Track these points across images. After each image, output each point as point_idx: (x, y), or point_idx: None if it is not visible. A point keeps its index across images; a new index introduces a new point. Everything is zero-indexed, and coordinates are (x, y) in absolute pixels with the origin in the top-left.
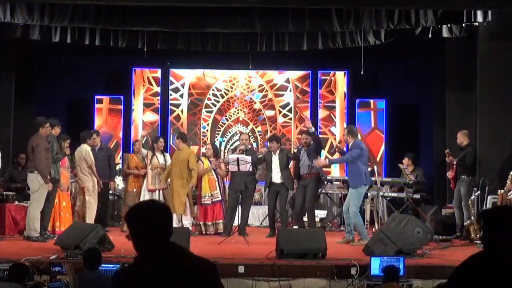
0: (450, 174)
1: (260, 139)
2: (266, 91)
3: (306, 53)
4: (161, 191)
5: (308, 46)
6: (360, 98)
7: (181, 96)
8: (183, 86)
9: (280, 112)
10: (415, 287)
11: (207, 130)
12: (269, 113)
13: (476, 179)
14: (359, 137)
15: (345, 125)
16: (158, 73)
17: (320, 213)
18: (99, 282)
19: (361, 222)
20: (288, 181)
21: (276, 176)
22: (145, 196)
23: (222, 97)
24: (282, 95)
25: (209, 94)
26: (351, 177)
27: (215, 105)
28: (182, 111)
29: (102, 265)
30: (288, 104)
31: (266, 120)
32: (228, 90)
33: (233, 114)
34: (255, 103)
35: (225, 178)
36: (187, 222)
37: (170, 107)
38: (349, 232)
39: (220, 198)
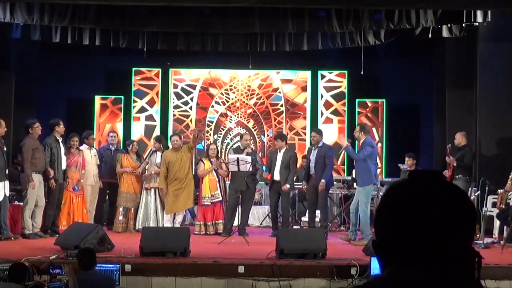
0: (446, 173)
1: (258, 141)
2: (263, 99)
3: (306, 53)
4: (156, 190)
5: (308, 46)
6: (360, 98)
7: (190, 108)
8: (192, 99)
9: (275, 119)
10: None
11: (210, 135)
12: (266, 118)
13: (473, 178)
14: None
15: (345, 125)
16: (158, 73)
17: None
18: (96, 282)
19: (368, 222)
20: (283, 180)
21: (277, 175)
22: (143, 195)
23: (224, 104)
24: (276, 104)
25: (212, 102)
26: (359, 176)
27: (217, 111)
28: (191, 120)
29: (102, 265)
30: (282, 112)
31: (263, 125)
32: (228, 99)
33: (234, 118)
34: (253, 109)
35: (226, 178)
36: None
37: (180, 117)
38: (352, 231)
39: (220, 198)
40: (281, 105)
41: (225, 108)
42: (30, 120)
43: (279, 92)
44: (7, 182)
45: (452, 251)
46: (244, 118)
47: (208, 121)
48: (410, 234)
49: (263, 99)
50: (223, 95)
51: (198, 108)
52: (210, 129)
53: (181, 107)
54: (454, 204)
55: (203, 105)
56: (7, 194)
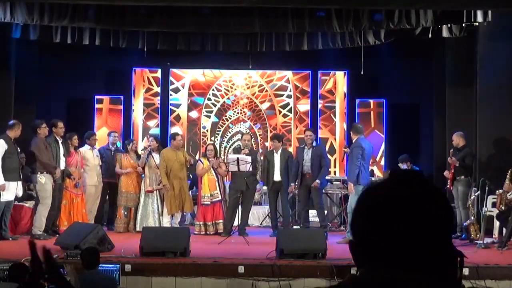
0: (447, 174)
1: (260, 139)
2: (266, 90)
3: (306, 53)
4: (159, 191)
5: (308, 46)
6: (360, 98)
7: (181, 96)
8: (183, 86)
9: (280, 112)
10: None
11: (207, 130)
12: (269, 113)
13: (473, 179)
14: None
15: (345, 126)
16: (158, 73)
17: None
18: (98, 282)
19: None
20: (284, 180)
21: (277, 175)
22: (142, 197)
23: (222, 97)
24: (282, 95)
25: (209, 94)
26: (351, 177)
27: (215, 105)
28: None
29: (102, 265)
30: (288, 104)
31: (266, 120)
32: (228, 90)
33: (233, 114)
34: (255, 103)
35: (225, 178)
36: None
37: (170, 107)
38: (349, 231)
39: (219, 198)
40: (288, 96)
41: (224, 101)
42: (38, 121)
43: (286, 81)
44: (20, 183)
45: (433, 251)
46: (245, 114)
47: (205, 115)
48: (392, 234)
49: (266, 90)
50: (221, 86)
51: (192, 99)
52: (208, 124)
53: (170, 94)
54: (435, 204)
55: (197, 95)
56: (19, 195)
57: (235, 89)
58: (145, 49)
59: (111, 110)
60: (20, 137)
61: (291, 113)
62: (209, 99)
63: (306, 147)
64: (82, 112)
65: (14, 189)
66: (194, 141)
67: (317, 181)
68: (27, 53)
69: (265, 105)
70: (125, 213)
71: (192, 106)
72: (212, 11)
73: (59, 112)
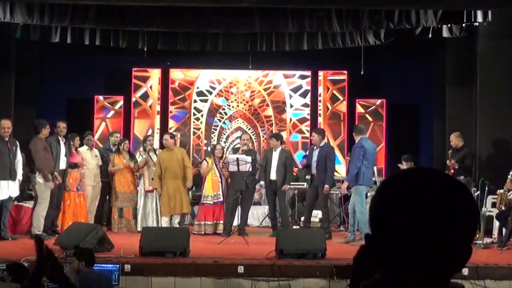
0: None
1: (262, 135)
2: (271, 79)
3: (306, 53)
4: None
5: (308, 46)
6: (360, 98)
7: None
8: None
9: (290, 96)
10: None
11: (200, 123)
12: (275, 104)
13: (473, 179)
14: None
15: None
16: (158, 73)
17: (320, 213)
18: (95, 280)
19: (366, 221)
20: (280, 180)
21: (273, 174)
22: (141, 197)
23: (220, 82)
24: (292, 76)
25: (202, 81)
26: (349, 176)
27: (210, 93)
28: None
29: (102, 265)
30: (300, 86)
31: (273, 114)
32: (225, 77)
33: (232, 107)
34: (258, 91)
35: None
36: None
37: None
38: (351, 232)
39: (222, 199)
40: (302, 76)
41: (219, 93)
42: (43, 121)
43: (300, 83)
44: (12, 182)
45: (435, 245)
46: (246, 110)
47: (198, 106)
48: (392, 228)
49: (272, 75)
50: (219, 75)
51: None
52: (202, 116)
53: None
54: (436, 196)
55: (188, 77)
56: (13, 195)
57: (236, 88)
58: (145, 49)
59: (110, 110)
60: (20, 137)
61: (305, 98)
62: (210, 92)
63: (314, 147)
64: (82, 112)
65: (6, 188)
66: (183, 134)
67: (326, 186)
68: (27, 53)
69: (270, 94)
70: (117, 213)
71: (182, 91)
72: (212, 11)
73: (59, 112)
